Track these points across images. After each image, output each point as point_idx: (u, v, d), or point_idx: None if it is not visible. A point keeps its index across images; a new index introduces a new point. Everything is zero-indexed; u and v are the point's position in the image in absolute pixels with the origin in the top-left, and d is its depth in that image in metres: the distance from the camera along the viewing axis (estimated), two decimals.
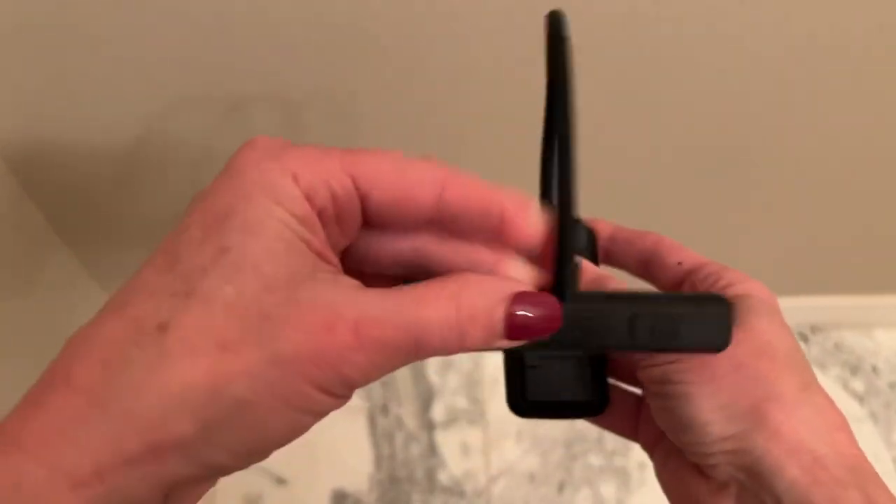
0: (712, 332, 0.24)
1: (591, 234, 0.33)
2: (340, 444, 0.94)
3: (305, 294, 0.20)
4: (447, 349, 0.21)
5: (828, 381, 1.04)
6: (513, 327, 0.22)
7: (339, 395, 0.20)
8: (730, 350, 0.25)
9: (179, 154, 0.67)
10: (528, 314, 0.22)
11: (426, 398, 0.98)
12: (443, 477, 0.94)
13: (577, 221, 0.25)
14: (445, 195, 0.22)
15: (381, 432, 0.96)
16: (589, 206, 0.83)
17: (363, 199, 0.22)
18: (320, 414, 0.20)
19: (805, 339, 1.08)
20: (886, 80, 0.64)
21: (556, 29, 0.24)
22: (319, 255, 0.21)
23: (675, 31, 0.57)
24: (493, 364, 1.00)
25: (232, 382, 0.19)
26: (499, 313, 0.21)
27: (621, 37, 0.57)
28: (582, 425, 0.98)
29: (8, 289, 0.69)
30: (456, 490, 0.93)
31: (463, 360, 1.01)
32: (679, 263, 0.32)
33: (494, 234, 0.23)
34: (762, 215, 0.83)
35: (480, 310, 0.21)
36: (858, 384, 1.04)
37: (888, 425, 1.01)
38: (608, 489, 0.94)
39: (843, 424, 0.27)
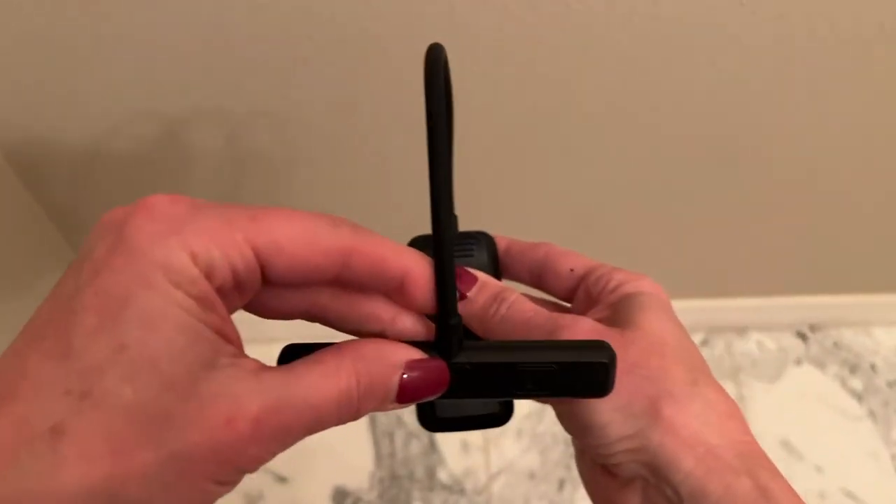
0: (593, 379, 0.25)
1: (493, 247, 0.34)
2: (341, 441, 0.94)
3: (205, 387, 0.19)
4: (342, 421, 0.22)
5: (827, 380, 1.04)
6: (404, 393, 0.23)
7: (233, 482, 0.21)
8: (623, 351, 0.27)
9: (183, 154, 0.68)
10: (418, 380, 0.23)
11: None
12: (443, 475, 0.94)
13: (471, 247, 0.27)
14: (350, 262, 0.22)
15: (381, 430, 0.96)
16: (589, 206, 0.84)
17: (264, 267, 0.22)
18: (213, 502, 0.20)
19: (804, 337, 1.08)
20: (887, 79, 0.64)
21: (432, 64, 0.23)
22: (219, 332, 0.21)
23: (675, 31, 0.57)
24: None
25: (128, 485, 0.18)
26: (394, 382, 0.23)
27: (621, 37, 0.58)
28: None
29: (9, 287, 0.69)
30: (456, 488, 0.93)
31: None
32: (571, 270, 0.33)
33: (394, 293, 0.24)
34: (761, 215, 0.83)
35: (377, 382, 0.22)
36: (857, 382, 1.04)
37: (887, 423, 1.01)
38: None
39: (733, 413, 0.28)
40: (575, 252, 0.34)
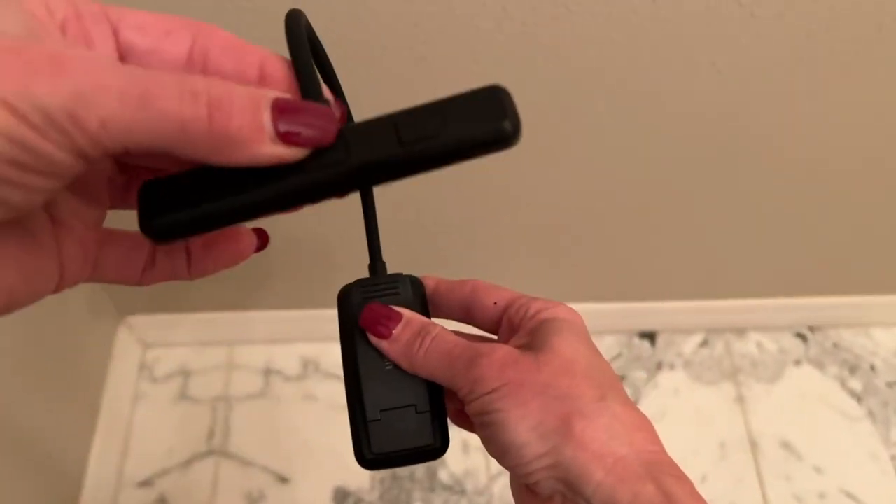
0: (486, 118, 0.22)
1: (420, 287, 0.35)
2: (341, 442, 0.94)
3: (31, 43, 0.18)
4: (197, 138, 0.19)
5: (826, 380, 1.04)
6: (286, 132, 0.21)
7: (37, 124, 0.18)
8: (536, 374, 0.28)
9: None
10: (299, 117, 0.21)
11: None
12: (444, 475, 0.94)
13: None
14: (200, 42, 0.22)
15: None
16: (589, 207, 0.84)
17: (114, 31, 0.22)
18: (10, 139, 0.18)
19: (804, 338, 1.08)
20: (885, 79, 0.64)
21: (292, 21, 0.25)
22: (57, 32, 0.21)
23: (674, 31, 0.58)
24: None
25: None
26: (265, 110, 0.21)
27: (620, 38, 0.58)
28: None
29: None
30: (457, 488, 0.93)
31: None
32: (495, 303, 0.35)
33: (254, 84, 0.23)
34: (761, 216, 0.83)
35: (241, 104, 0.20)
36: (856, 383, 1.04)
37: (886, 424, 1.01)
38: None
39: (641, 425, 0.29)
40: (500, 286, 0.36)
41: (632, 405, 0.30)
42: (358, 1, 0.53)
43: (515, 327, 0.33)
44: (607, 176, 0.75)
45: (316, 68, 0.24)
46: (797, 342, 1.08)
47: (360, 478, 0.93)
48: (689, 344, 1.06)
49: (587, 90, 0.63)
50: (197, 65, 0.22)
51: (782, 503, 0.95)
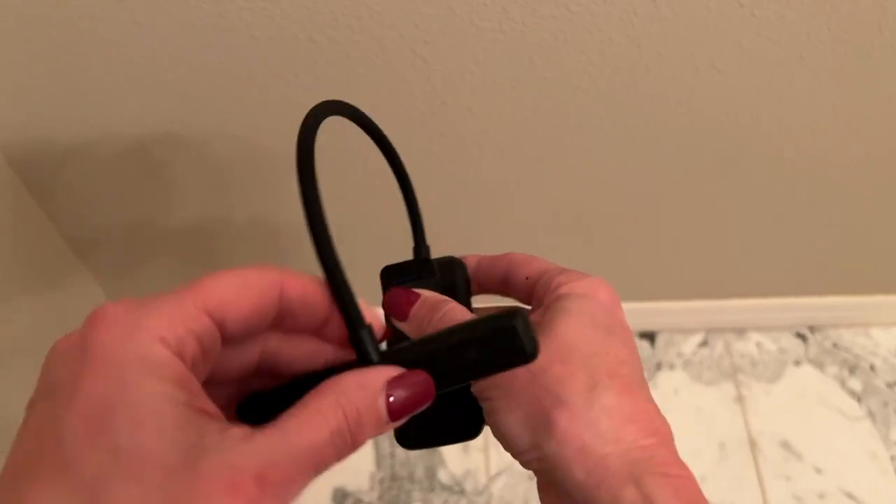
0: (509, 346, 0.24)
1: (460, 267, 0.37)
2: None
3: (205, 466, 0.20)
4: (341, 457, 0.22)
5: (826, 380, 1.04)
6: (395, 412, 0.23)
7: None
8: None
9: (183, 153, 0.68)
10: (404, 398, 0.23)
11: None
12: (443, 475, 0.94)
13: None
14: (284, 294, 0.23)
15: None
16: (589, 208, 0.84)
17: (220, 325, 0.23)
18: None
19: (804, 338, 1.08)
20: (886, 80, 0.64)
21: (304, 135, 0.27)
22: (202, 411, 0.21)
23: (674, 32, 0.57)
24: None
25: None
26: (381, 406, 0.23)
27: (620, 39, 0.58)
28: None
29: (8, 283, 0.70)
30: (456, 489, 0.93)
31: None
32: (526, 278, 0.34)
33: (325, 326, 0.25)
34: (761, 216, 0.83)
35: (365, 411, 0.22)
36: (856, 383, 1.04)
37: (886, 424, 1.01)
38: None
39: (634, 415, 0.28)
40: (535, 258, 0.35)
41: (632, 392, 0.29)
42: (358, 1, 0.53)
43: (540, 301, 0.33)
44: (607, 176, 0.75)
45: (353, 294, 0.25)
46: (797, 342, 1.08)
47: (359, 478, 0.93)
48: (689, 344, 1.06)
49: (587, 90, 0.63)
50: (283, 312, 0.24)
51: (782, 503, 0.95)
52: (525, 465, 0.29)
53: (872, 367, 1.06)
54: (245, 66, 0.58)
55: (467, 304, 0.36)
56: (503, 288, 0.36)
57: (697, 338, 1.07)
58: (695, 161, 0.73)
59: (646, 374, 1.10)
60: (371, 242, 0.74)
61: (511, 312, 0.24)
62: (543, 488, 0.29)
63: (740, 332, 1.08)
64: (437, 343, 0.25)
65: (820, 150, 0.73)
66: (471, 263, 0.37)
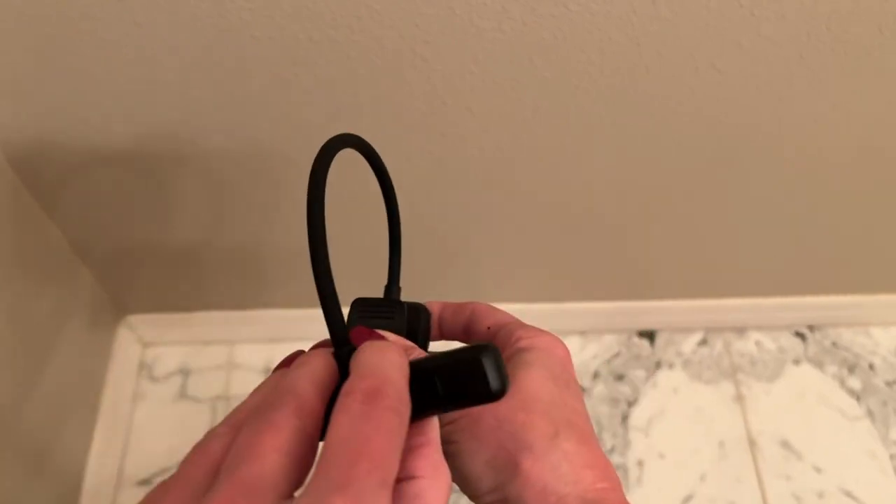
0: (476, 380, 0.24)
1: (424, 312, 0.38)
2: None
3: None
4: None
5: (825, 379, 1.04)
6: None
7: None
8: (495, 408, 0.29)
9: (184, 154, 0.68)
10: None
11: None
12: None
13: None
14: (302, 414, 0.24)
15: None
16: (589, 208, 0.84)
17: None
18: None
19: (803, 337, 1.08)
20: (886, 80, 0.64)
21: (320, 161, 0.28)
22: None
23: (674, 31, 0.57)
24: None
25: None
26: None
27: (620, 38, 0.58)
28: None
29: (7, 283, 0.70)
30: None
31: None
32: (488, 328, 0.36)
33: None
34: (760, 215, 0.83)
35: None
36: (855, 382, 1.04)
37: (885, 423, 1.01)
38: None
39: (593, 462, 0.30)
40: (496, 310, 0.37)
41: (588, 442, 0.30)
42: (358, 1, 0.53)
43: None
44: (606, 175, 0.75)
45: (339, 312, 0.26)
46: (796, 341, 1.08)
47: None
48: (689, 343, 1.07)
49: (587, 90, 0.63)
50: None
51: (781, 502, 0.95)
52: None
53: (872, 367, 1.06)
54: (245, 66, 0.58)
55: (425, 350, 0.37)
56: (465, 336, 0.37)
57: (697, 337, 1.07)
58: (694, 160, 0.73)
59: (645, 374, 1.10)
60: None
61: (483, 347, 0.24)
62: None
63: (740, 331, 1.08)
64: (411, 372, 0.25)
65: (819, 150, 0.73)
66: (434, 310, 0.38)
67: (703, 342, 1.07)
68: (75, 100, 0.61)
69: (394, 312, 0.36)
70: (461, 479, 0.30)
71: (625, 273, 0.94)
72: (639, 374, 1.03)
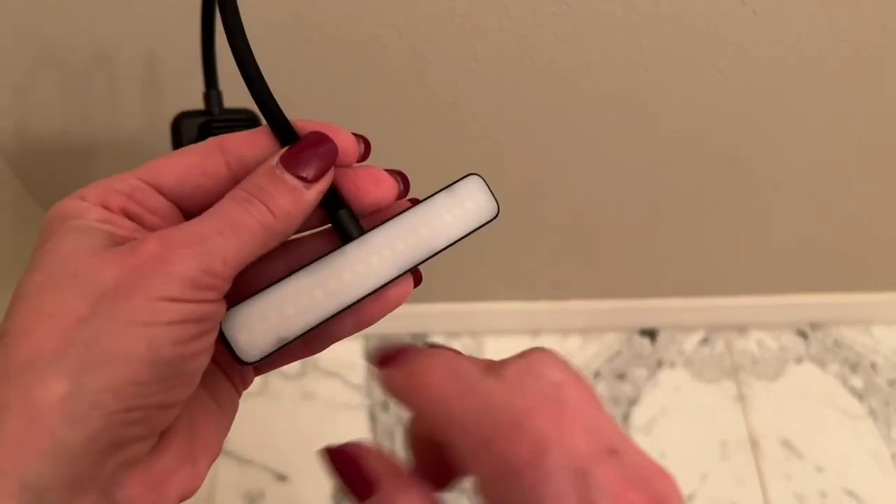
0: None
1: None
2: (340, 440, 0.94)
3: (108, 252, 0.22)
4: (266, 219, 0.23)
5: (827, 378, 1.04)
6: (289, 160, 0.24)
7: (192, 295, 0.21)
8: None
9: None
10: (297, 150, 0.24)
11: None
12: None
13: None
14: (226, 145, 0.25)
15: (382, 429, 0.96)
16: (590, 207, 0.84)
17: (160, 190, 0.24)
18: (179, 320, 0.21)
19: (805, 336, 1.08)
20: (888, 80, 0.64)
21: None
22: (130, 239, 0.23)
23: (676, 31, 0.57)
24: None
25: (84, 328, 0.20)
26: (275, 161, 0.24)
27: (621, 38, 0.58)
28: None
29: (7, 283, 0.70)
30: (456, 488, 0.93)
31: None
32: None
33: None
34: (762, 214, 0.83)
35: (263, 176, 0.24)
36: (858, 381, 1.04)
37: (887, 422, 1.01)
38: None
39: None
40: None
41: None
42: (358, 0, 0.53)
43: None
44: (607, 174, 0.74)
45: (280, 113, 0.26)
46: (798, 340, 1.08)
47: None
48: (690, 341, 1.06)
49: (587, 90, 0.63)
50: (238, 172, 0.25)
51: (783, 502, 0.95)
52: None
53: (874, 366, 1.06)
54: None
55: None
56: None
57: (698, 335, 1.07)
58: (696, 159, 0.73)
59: (646, 372, 1.09)
60: None
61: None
62: None
63: (741, 329, 1.07)
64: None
65: (821, 149, 0.73)
66: None
67: (705, 341, 1.07)
68: (75, 100, 0.61)
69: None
70: None
71: (626, 271, 0.94)
72: (640, 372, 1.03)
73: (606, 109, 0.65)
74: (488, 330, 1.02)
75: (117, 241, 0.22)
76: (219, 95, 0.42)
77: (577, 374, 0.23)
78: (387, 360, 0.25)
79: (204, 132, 0.43)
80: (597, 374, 1.03)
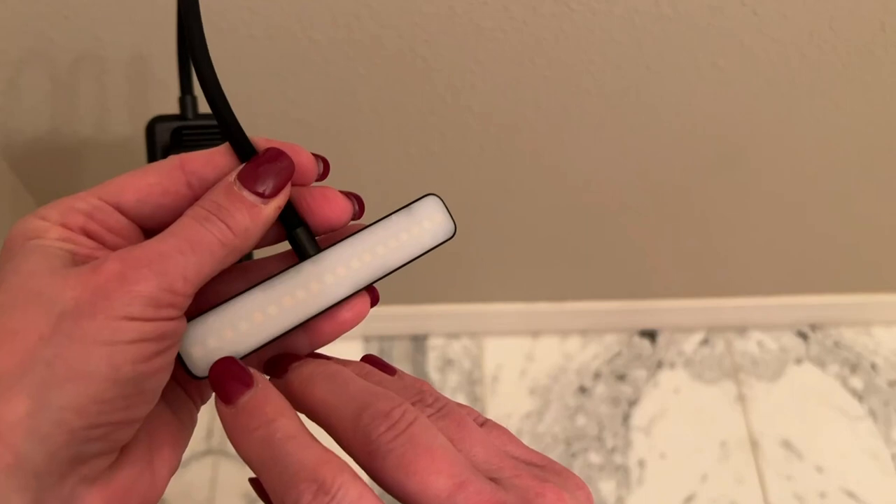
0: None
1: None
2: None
3: (70, 271, 0.22)
4: (225, 236, 0.23)
5: (827, 379, 1.04)
6: (246, 177, 0.24)
7: (155, 313, 0.21)
8: None
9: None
10: (263, 165, 0.25)
11: None
12: None
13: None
14: (187, 164, 0.25)
15: None
16: (589, 206, 0.84)
17: (120, 209, 0.24)
18: (141, 339, 0.21)
19: (805, 337, 1.08)
20: (888, 79, 0.64)
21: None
22: (91, 258, 0.23)
23: (676, 31, 0.57)
24: (493, 363, 1.01)
25: (44, 350, 0.20)
26: (232, 178, 0.24)
27: (621, 38, 0.58)
28: (582, 422, 0.98)
29: None
30: None
31: (463, 358, 1.01)
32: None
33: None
34: (762, 215, 0.83)
35: (221, 194, 0.24)
36: (857, 382, 1.04)
37: (887, 423, 1.01)
38: (608, 487, 0.94)
39: None
40: None
41: None
42: (358, 0, 0.53)
43: None
44: (607, 175, 0.74)
45: (239, 131, 0.26)
46: (798, 341, 1.08)
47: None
48: (690, 342, 1.06)
49: (588, 89, 0.63)
50: (198, 190, 0.25)
51: (783, 502, 0.95)
52: None
53: (874, 366, 1.06)
54: (244, 66, 0.58)
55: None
56: None
57: (698, 336, 1.07)
58: (695, 159, 0.73)
59: (646, 373, 1.09)
60: None
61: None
62: None
63: (741, 330, 1.07)
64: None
65: (822, 149, 0.73)
66: None
67: (705, 342, 1.07)
68: (75, 100, 0.61)
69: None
70: None
71: (626, 272, 0.94)
72: (640, 373, 1.03)
73: (606, 109, 0.65)
74: (488, 331, 1.02)
75: (78, 261, 0.23)
76: (194, 101, 0.43)
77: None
78: (273, 367, 0.26)
79: (176, 137, 0.44)
80: (597, 375, 1.03)
